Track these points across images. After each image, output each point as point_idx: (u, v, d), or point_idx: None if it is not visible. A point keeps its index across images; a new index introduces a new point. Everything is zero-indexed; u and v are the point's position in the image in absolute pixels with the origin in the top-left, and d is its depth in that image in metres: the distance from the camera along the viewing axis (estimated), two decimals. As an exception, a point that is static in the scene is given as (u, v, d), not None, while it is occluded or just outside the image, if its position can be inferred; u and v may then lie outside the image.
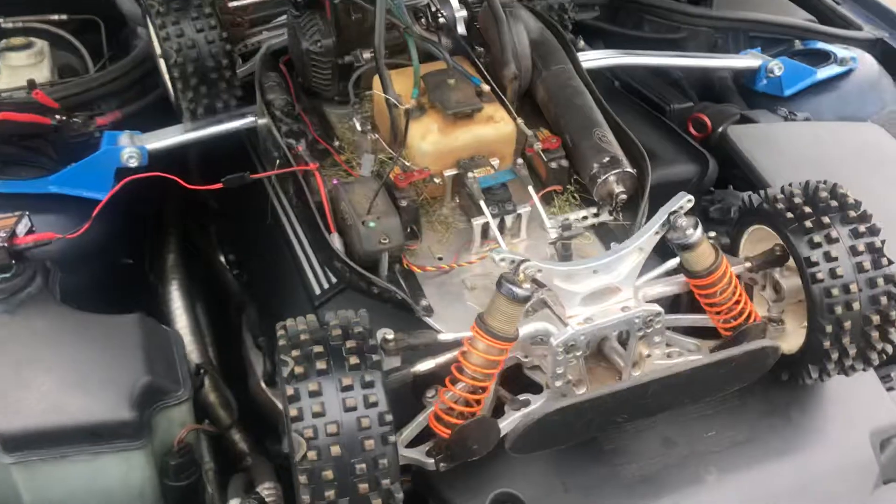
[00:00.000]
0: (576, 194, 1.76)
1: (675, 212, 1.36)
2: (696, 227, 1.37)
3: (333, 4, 1.79)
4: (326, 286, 1.83)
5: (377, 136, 1.74)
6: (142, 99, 2.14)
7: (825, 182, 1.53)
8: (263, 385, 1.93)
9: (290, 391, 1.21)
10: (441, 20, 1.94)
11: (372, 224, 1.55)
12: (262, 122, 1.88)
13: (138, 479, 1.53)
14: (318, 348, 1.24)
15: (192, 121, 1.99)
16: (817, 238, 1.44)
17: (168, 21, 1.87)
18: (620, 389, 1.27)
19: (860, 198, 1.53)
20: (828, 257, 1.43)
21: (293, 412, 1.20)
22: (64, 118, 1.97)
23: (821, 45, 2.62)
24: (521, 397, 1.42)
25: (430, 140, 1.71)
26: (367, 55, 1.86)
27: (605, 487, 1.46)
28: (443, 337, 1.45)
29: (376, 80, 1.84)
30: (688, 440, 1.52)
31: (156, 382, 1.53)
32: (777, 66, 2.41)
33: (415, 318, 1.56)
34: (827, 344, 1.45)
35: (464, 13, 2.01)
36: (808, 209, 1.46)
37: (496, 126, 1.74)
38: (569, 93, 1.83)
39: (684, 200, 1.36)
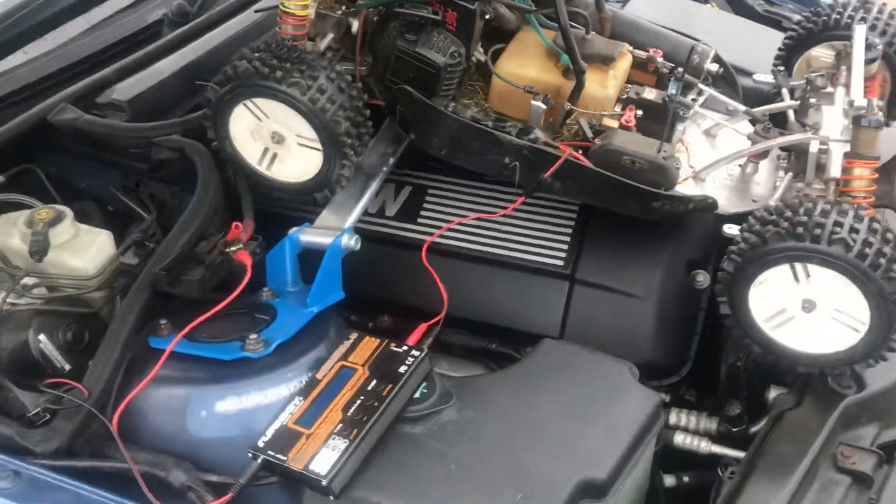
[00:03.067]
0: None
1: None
2: None
3: (468, 10, 1.85)
4: (563, 255, 1.99)
5: (569, 104, 1.91)
6: (245, 200, 1.89)
7: None
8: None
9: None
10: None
11: (676, 154, 1.80)
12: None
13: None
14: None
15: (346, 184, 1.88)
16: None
17: (316, 92, 1.72)
18: None
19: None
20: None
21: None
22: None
23: None
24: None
25: (611, 85, 1.95)
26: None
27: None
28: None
29: (505, 59, 1.98)
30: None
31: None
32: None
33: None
34: None
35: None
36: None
37: (628, 57, 2.04)
38: (622, 18, 2.19)
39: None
